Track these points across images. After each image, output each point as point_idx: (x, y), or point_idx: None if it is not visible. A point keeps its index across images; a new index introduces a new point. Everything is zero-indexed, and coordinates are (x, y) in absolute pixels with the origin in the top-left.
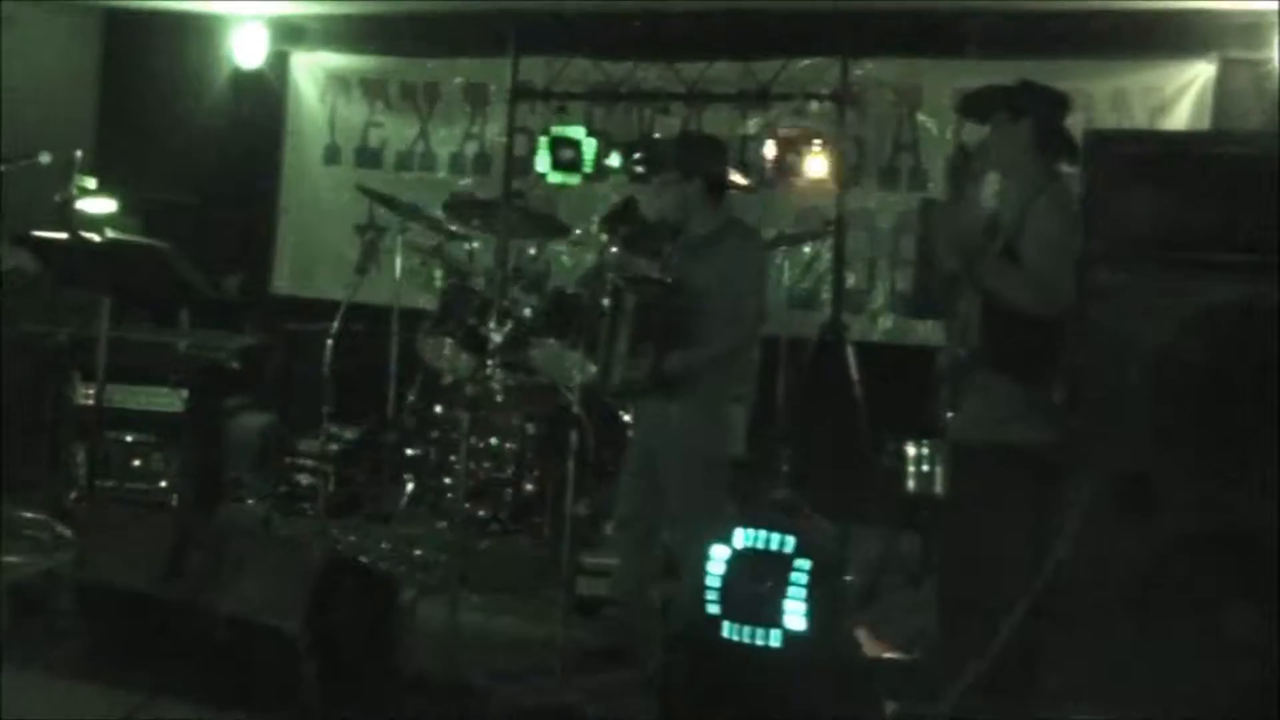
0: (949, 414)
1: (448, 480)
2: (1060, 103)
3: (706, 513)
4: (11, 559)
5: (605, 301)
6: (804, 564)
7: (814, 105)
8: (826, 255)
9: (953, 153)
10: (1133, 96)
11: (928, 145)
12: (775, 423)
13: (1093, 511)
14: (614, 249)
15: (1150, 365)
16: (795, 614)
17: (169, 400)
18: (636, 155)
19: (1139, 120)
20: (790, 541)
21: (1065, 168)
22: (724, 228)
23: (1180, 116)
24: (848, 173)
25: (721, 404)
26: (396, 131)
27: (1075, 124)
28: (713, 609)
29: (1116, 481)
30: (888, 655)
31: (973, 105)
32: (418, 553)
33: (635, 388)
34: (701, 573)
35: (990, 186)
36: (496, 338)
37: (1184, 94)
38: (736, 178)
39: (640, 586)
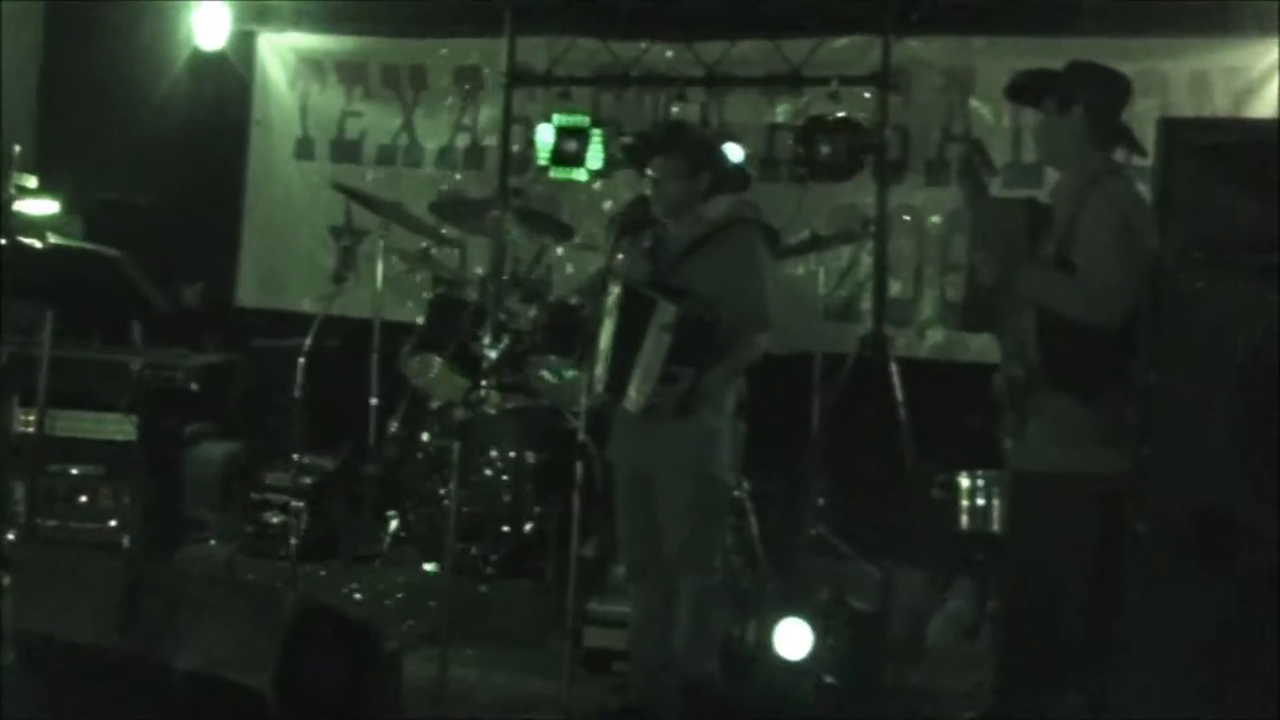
0: (1008, 441)
1: (437, 517)
2: (1119, 87)
3: (708, 537)
4: None
5: (611, 316)
6: None
7: (851, 90)
8: (866, 260)
9: (965, 148)
10: (1214, 78)
11: (982, 135)
12: (808, 451)
13: (1168, 550)
14: (622, 254)
15: (1235, 383)
16: None
17: (119, 427)
18: (627, 140)
19: (1221, 106)
20: None
21: (1124, 160)
22: (726, 224)
23: (1268, 101)
24: (890, 166)
25: (721, 419)
26: (377, 122)
27: (1149, 110)
28: None
29: (1195, 516)
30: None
31: (1020, 90)
32: (403, 600)
33: (666, 411)
34: (705, 614)
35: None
36: (491, 355)
37: (1272, 75)
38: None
39: (664, 640)
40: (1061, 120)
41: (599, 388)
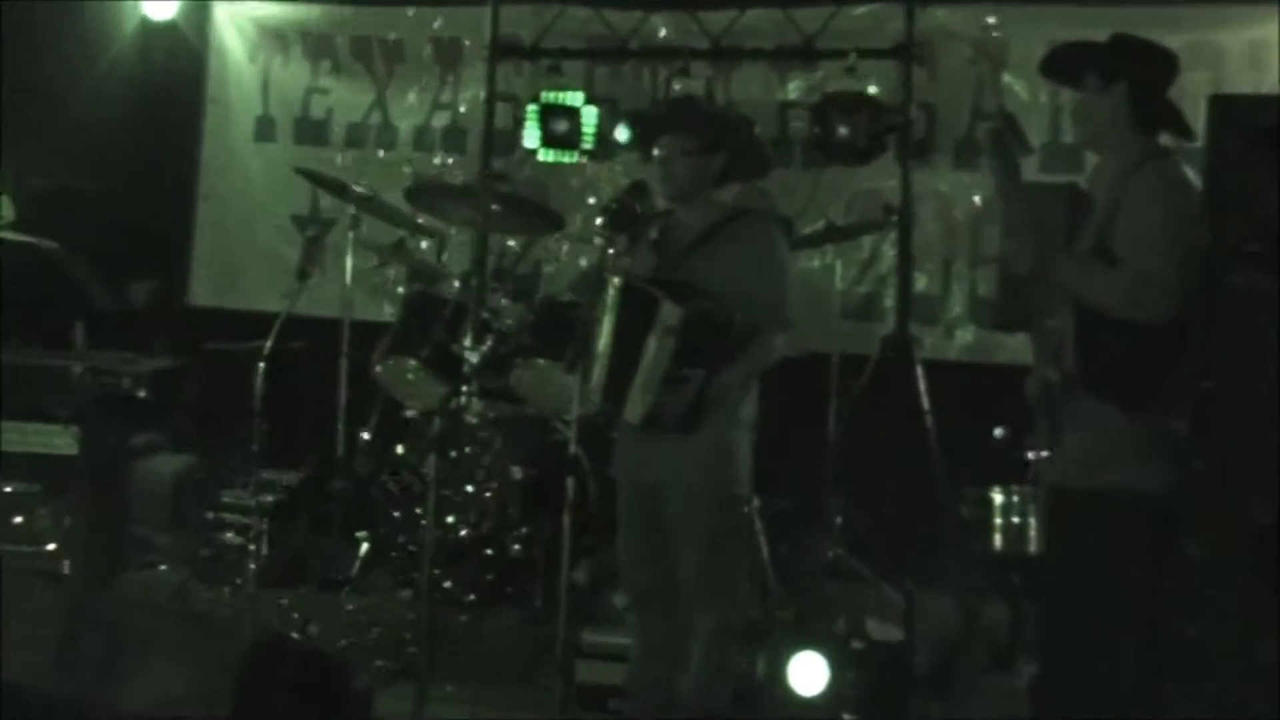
0: (1043, 453)
1: (412, 539)
2: (1165, 62)
3: (725, 567)
4: None
5: (610, 314)
6: None
7: (872, 63)
8: (889, 252)
9: (994, 122)
10: (1273, 50)
11: (1016, 113)
12: (825, 464)
13: (1223, 574)
14: (614, 248)
15: None
16: None
17: (59, 440)
18: (631, 114)
19: None
20: None
21: (1171, 143)
22: (740, 212)
23: None
24: (915, 148)
25: (736, 430)
26: (346, 99)
27: (1200, 85)
28: None
29: (1253, 537)
30: None
31: (1057, 65)
32: (376, 631)
33: (670, 422)
34: (722, 652)
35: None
36: (473, 358)
37: None
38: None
39: (667, 675)
40: (1103, 99)
41: (595, 396)
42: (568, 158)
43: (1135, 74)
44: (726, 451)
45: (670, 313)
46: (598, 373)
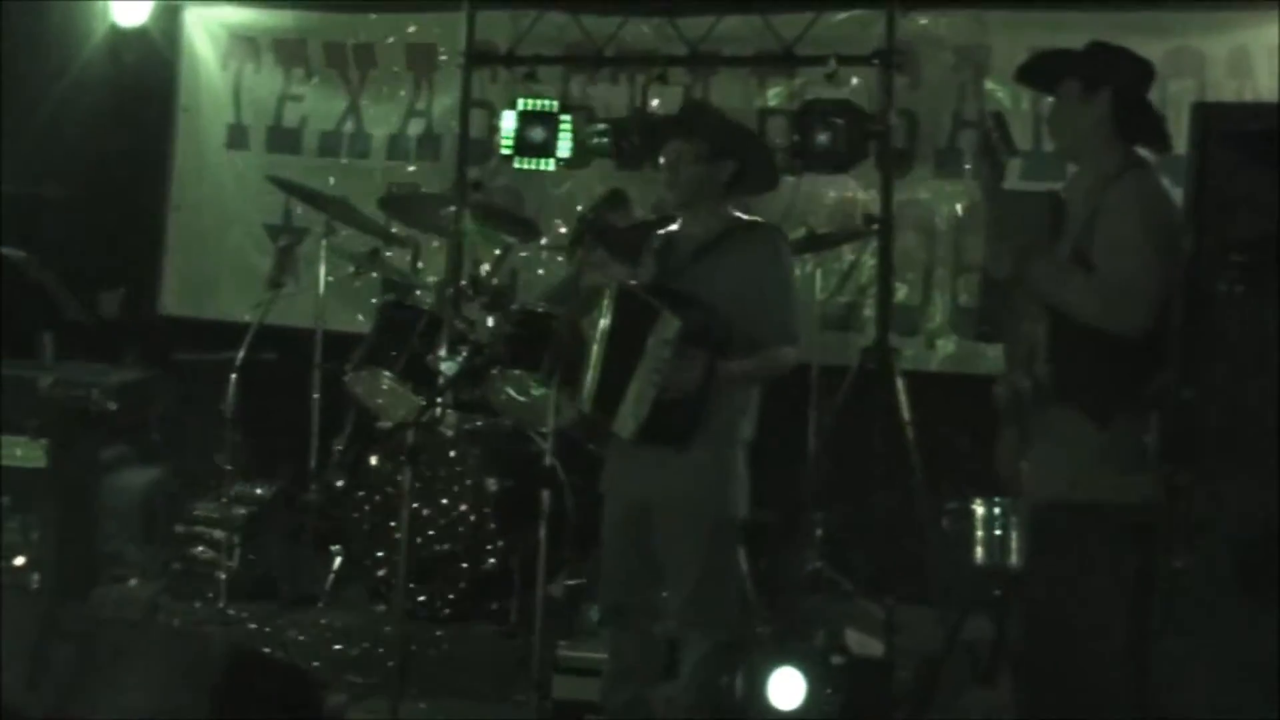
0: (1021, 463)
1: (386, 553)
2: (1146, 73)
3: (719, 588)
4: None
5: (604, 323)
6: None
7: (852, 70)
8: (870, 261)
9: (986, 126)
10: (1257, 57)
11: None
12: (805, 476)
13: (1208, 589)
14: (593, 257)
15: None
16: None
17: (28, 452)
18: (629, 124)
19: (1264, 88)
20: None
21: (1147, 153)
22: (748, 224)
23: None
24: (896, 156)
25: (734, 448)
26: (319, 107)
27: (1183, 92)
28: None
29: (1239, 551)
30: None
31: (1035, 72)
32: (348, 646)
33: (663, 437)
34: (710, 675)
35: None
36: (448, 369)
37: None
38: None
39: (640, 692)
40: (1083, 107)
41: (585, 406)
42: (544, 166)
43: (1118, 83)
44: (724, 470)
45: (668, 325)
46: (589, 382)
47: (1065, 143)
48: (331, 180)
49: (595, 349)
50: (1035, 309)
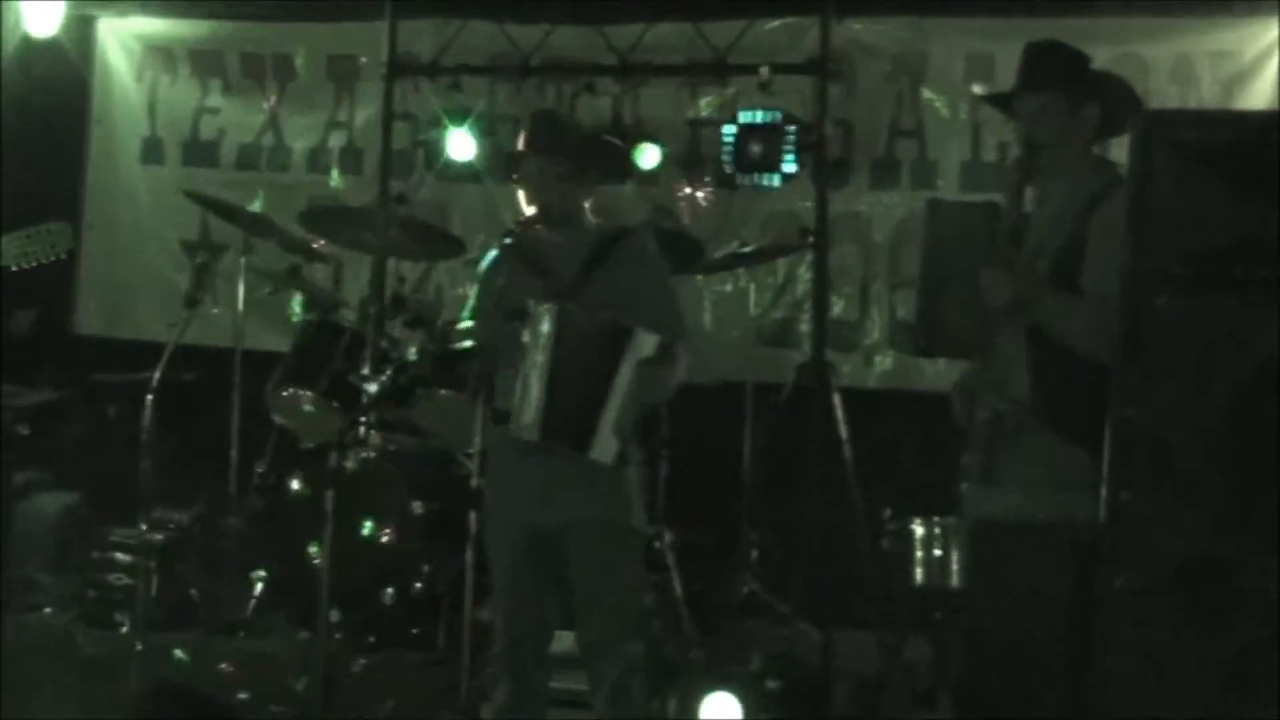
0: (977, 483)
1: (309, 579)
2: (1125, 85)
3: (633, 612)
4: None
5: (530, 334)
6: None
7: (786, 79)
8: (805, 275)
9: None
10: (1200, 64)
11: (935, 130)
12: (741, 496)
13: (1148, 613)
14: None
15: (1224, 418)
16: None
17: None
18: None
19: (1207, 97)
20: None
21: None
22: (619, 232)
23: (1262, 91)
24: (831, 167)
25: (630, 465)
26: (238, 119)
27: None
28: None
29: (1179, 573)
30: None
31: (1029, 80)
32: (270, 676)
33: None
34: (629, 695)
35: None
36: (371, 389)
37: (1265, 61)
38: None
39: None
40: (1073, 121)
41: (530, 435)
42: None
43: (1107, 98)
44: (626, 483)
45: (645, 343)
46: (532, 408)
47: (1050, 159)
48: (250, 195)
49: (537, 373)
50: (1012, 330)
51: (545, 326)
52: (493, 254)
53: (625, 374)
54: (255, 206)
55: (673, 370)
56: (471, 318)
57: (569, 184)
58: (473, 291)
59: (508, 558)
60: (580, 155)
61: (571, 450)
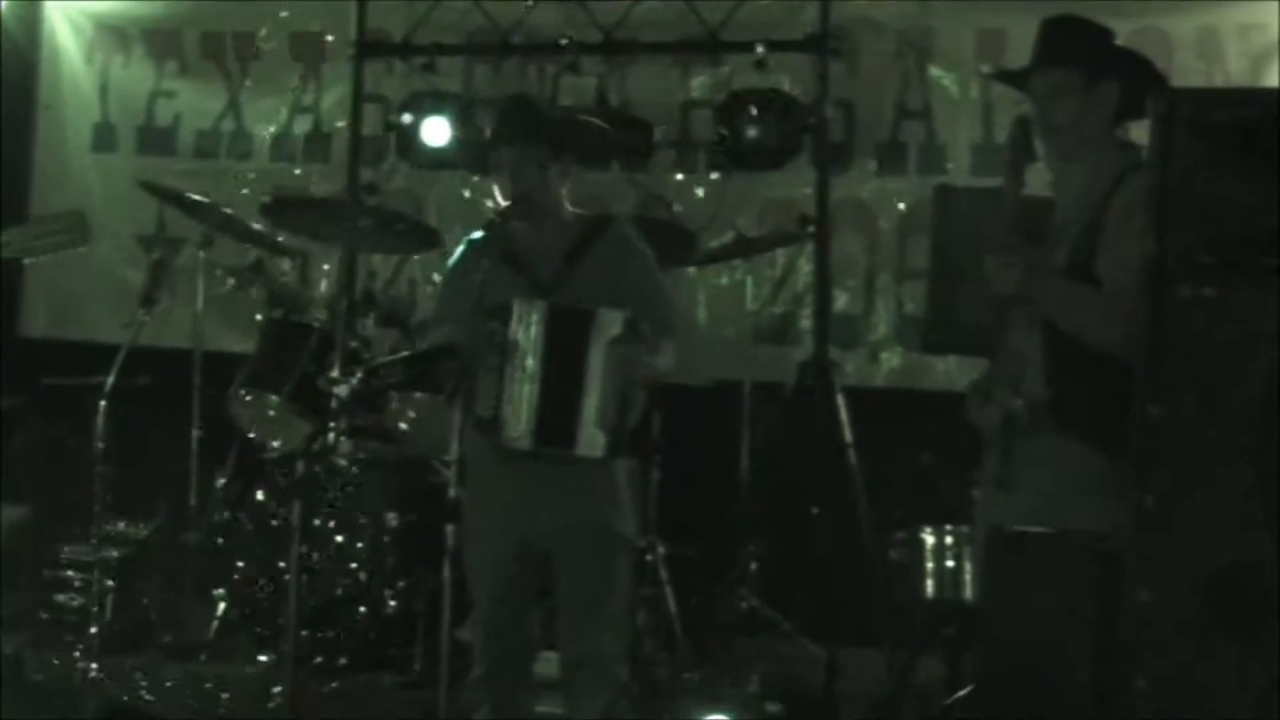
0: (993, 488)
1: (275, 597)
2: (1144, 61)
3: (622, 629)
4: None
5: (515, 335)
6: None
7: (784, 57)
8: (806, 267)
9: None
10: (1226, 39)
11: (944, 111)
12: (738, 505)
13: (1179, 626)
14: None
15: (1255, 414)
16: None
17: None
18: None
19: (1235, 73)
20: None
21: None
22: (601, 222)
23: None
24: (833, 151)
25: (622, 458)
26: (195, 103)
27: None
28: None
29: (1212, 581)
30: None
31: (1053, 48)
32: (234, 700)
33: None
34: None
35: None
36: (340, 392)
37: None
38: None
39: None
40: (1092, 97)
41: (522, 443)
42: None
43: (1124, 74)
44: (619, 486)
45: (611, 321)
46: (523, 416)
47: (1067, 141)
48: (210, 185)
49: (527, 374)
50: (1025, 323)
51: (534, 328)
52: (462, 249)
53: (596, 359)
54: (215, 197)
55: (648, 347)
56: (442, 316)
57: (546, 172)
58: (441, 288)
59: (489, 573)
60: (557, 140)
61: (559, 450)
